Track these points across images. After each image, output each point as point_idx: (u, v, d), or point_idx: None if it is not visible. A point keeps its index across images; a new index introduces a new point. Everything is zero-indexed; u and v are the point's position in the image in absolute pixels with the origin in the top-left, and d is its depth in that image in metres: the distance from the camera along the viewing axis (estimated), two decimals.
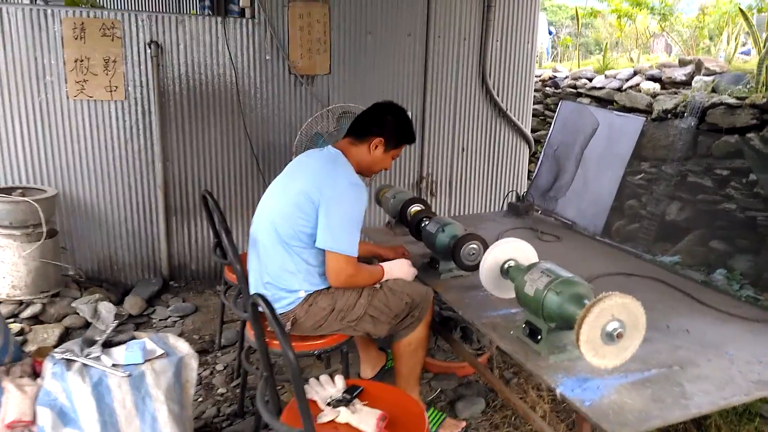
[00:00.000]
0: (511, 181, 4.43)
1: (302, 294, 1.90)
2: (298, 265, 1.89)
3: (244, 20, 3.52)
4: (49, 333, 2.85)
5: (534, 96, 7.55)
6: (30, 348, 2.68)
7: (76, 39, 3.24)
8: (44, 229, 2.96)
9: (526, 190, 3.38)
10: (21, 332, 2.80)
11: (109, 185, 3.51)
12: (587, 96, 6.34)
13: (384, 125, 2.11)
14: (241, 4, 3.50)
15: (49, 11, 3.19)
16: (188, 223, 3.72)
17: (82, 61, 3.27)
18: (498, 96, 4.18)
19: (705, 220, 4.24)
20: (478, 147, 4.28)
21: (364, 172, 2.18)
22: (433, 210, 2.70)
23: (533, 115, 7.19)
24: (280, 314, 1.88)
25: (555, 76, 7.21)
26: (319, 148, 2.16)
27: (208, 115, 3.59)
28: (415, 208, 2.64)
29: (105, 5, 5.72)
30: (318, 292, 1.92)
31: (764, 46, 4.81)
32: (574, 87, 6.72)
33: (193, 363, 1.64)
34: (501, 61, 4.16)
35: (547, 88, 7.17)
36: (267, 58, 3.58)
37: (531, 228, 2.89)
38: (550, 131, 3.49)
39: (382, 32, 3.80)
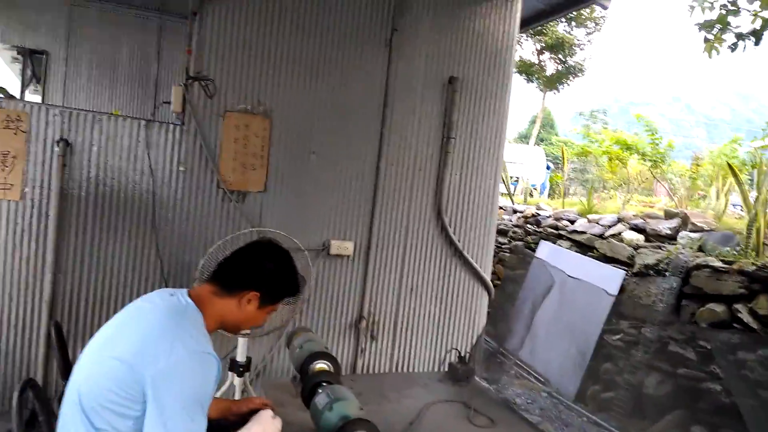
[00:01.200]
0: (465, 330, 4.06)
1: None
2: None
3: (171, 126, 3.38)
4: None
5: (515, 232, 7.55)
6: None
7: None
8: None
9: (473, 344, 3.07)
10: None
11: None
12: (568, 239, 6.20)
13: (262, 276, 1.78)
14: (172, 108, 3.42)
15: None
16: (74, 347, 3.31)
17: None
18: (454, 234, 3.97)
19: (686, 398, 3.85)
20: (430, 288, 3.98)
21: (228, 329, 1.82)
22: (343, 372, 2.35)
23: (510, 252, 7.06)
24: None
25: (538, 214, 7.18)
26: (169, 292, 1.76)
27: (116, 226, 3.31)
28: (318, 365, 2.27)
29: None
30: None
31: (755, 207, 4.75)
32: (556, 228, 6.63)
33: None
34: (459, 196, 4.00)
35: (529, 226, 7.11)
36: (181, 169, 3.38)
37: (464, 403, 2.50)
38: (527, 274, 3.28)
39: (328, 153, 3.66)
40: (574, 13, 17.00)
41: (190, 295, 1.71)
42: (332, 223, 3.71)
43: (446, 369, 2.92)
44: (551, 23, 17.17)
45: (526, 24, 5.21)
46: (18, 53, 6.05)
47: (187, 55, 3.45)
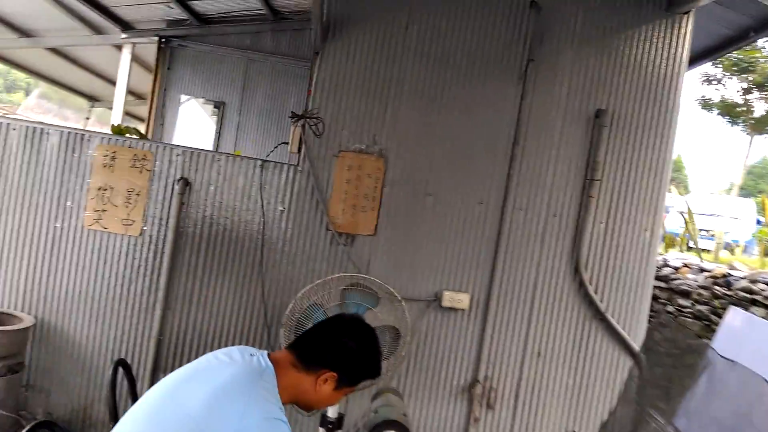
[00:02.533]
0: (601, 405, 3.60)
1: None
2: None
3: (286, 166, 3.49)
4: None
5: (699, 294, 6.66)
6: None
7: (104, 167, 3.41)
8: None
9: (603, 423, 2.66)
10: None
11: (101, 326, 3.46)
12: (763, 305, 5.35)
13: (342, 356, 1.74)
14: (289, 149, 3.53)
15: (86, 136, 3.45)
16: None
17: (105, 190, 3.41)
18: (596, 293, 3.56)
19: None
20: (561, 354, 3.58)
21: (300, 405, 1.76)
22: None
23: (694, 317, 6.25)
24: None
25: (729, 274, 6.30)
26: (250, 351, 1.74)
27: (225, 266, 3.47)
28: None
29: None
30: None
31: None
32: (750, 291, 5.76)
33: None
34: (604, 248, 3.55)
35: (717, 288, 6.27)
36: (280, 209, 3.47)
37: None
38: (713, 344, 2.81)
39: (445, 195, 3.49)
40: None
41: (269, 358, 1.70)
42: (447, 272, 3.52)
43: None
44: (761, 58, 15.35)
45: (707, 55, 4.59)
46: (215, 106, 7.07)
47: (307, 96, 3.56)
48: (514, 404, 3.59)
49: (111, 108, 8.04)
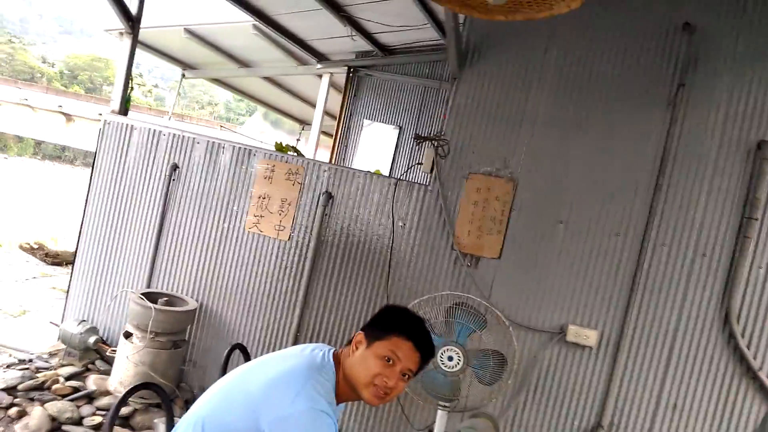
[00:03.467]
0: None
1: None
2: None
3: (417, 185, 3.71)
4: None
5: None
6: None
7: (265, 178, 4.01)
8: (163, 339, 3.68)
9: None
10: (99, 427, 3.45)
11: (251, 316, 3.99)
12: None
13: (373, 319, 1.93)
14: (422, 169, 3.80)
15: (253, 151, 4.10)
16: None
17: (264, 198, 4.01)
18: (748, 348, 3.20)
19: None
20: (700, 410, 3.22)
21: (353, 383, 1.86)
22: None
23: None
24: None
25: None
26: (320, 347, 1.95)
27: (357, 273, 3.80)
28: None
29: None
30: None
31: None
32: None
33: None
34: (762, 298, 3.18)
35: None
36: (401, 224, 3.69)
37: None
38: None
39: (578, 223, 3.41)
40: None
41: (334, 355, 1.90)
42: (575, 305, 3.41)
43: None
44: None
45: None
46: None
47: (443, 119, 3.82)
48: None
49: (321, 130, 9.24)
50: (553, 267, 3.48)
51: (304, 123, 13.33)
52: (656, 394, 3.33)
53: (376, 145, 8.10)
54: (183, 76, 9.71)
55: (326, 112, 9.04)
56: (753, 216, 3.15)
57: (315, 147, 9.01)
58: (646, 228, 3.34)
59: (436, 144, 3.52)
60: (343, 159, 7.99)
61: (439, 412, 3.14)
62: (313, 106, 10.43)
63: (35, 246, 8.09)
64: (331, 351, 1.92)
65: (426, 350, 1.89)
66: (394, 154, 7.72)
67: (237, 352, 2.94)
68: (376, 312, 1.97)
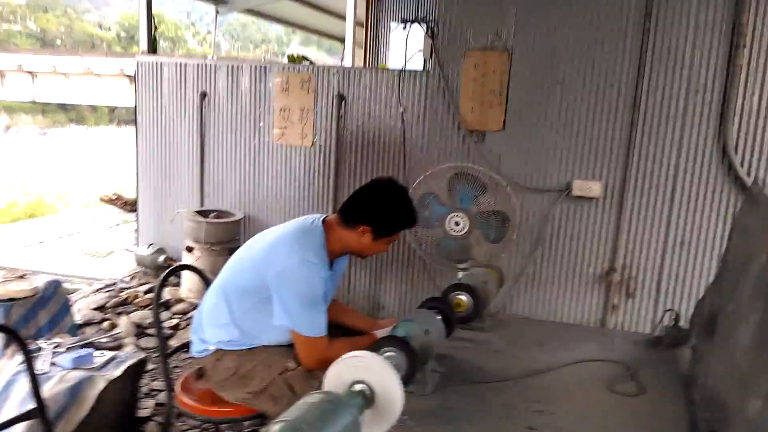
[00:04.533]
0: None
1: (211, 347, 2.16)
2: (221, 316, 2.15)
3: (419, 72, 3.92)
4: None
5: None
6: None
7: (282, 91, 4.34)
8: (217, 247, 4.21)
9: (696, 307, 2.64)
10: (176, 327, 4.09)
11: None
12: None
13: (373, 212, 2.17)
14: (422, 55, 3.99)
15: (268, 68, 4.39)
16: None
17: (284, 110, 4.36)
18: (748, 175, 3.30)
19: None
20: (705, 243, 3.42)
21: (354, 254, 2.30)
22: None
23: None
24: (195, 359, 2.23)
25: None
26: (312, 216, 2.30)
27: (376, 168, 4.13)
28: (457, 297, 2.52)
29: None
30: (229, 351, 2.14)
31: None
32: None
33: (100, 384, 2.21)
34: (758, 124, 3.26)
35: None
36: (401, 110, 3.93)
37: (627, 366, 2.31)
38: None
39: (573, 81, 3.55)
40: None
41: (324, 220, 2.25)
42: (578, 162, 3.62)
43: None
44: None
45: None
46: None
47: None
48: (656, 293, 3.63)
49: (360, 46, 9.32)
50: (554, 128, 3.67)
51: (343, 40, 13.36)
52: (663, 233, 3.54)
53: (408, 47, 8.16)
54: (217, 12, 9.99)
55: (358, 23, 9.10)
56: (741, 44, 3.18)
57: (352, 60, 9.16)
58: (638, 73, 3.44)
59: (426, 26, 3.70)
60: (378, 63, 8.09)
61: (459, 274, 3.49)
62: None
63: (114, 197, 8.93)
64: (321, 217, 2.27)
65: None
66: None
67: None
68: (378, 202, 2.21)
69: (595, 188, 3.59)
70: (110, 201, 8.75)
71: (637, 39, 3.42)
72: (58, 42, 35.22)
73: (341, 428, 1.25)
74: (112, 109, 33.86)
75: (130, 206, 8.95)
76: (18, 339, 1.77)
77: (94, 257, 6.38)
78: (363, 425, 1.35)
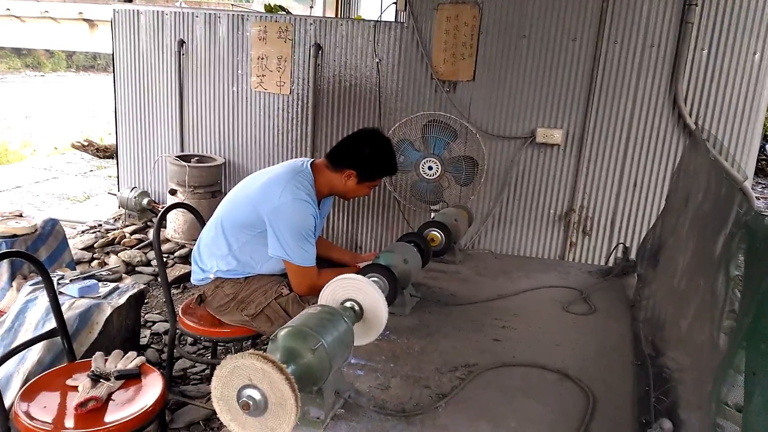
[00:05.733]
0: None
1: (211, 276, 2.38)
2: (220, 248, 2.35)
3: (394, 24, 4.06)
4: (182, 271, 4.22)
5: None
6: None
7: (260, 40, 4.42)
8: (198, 190, 4.39)
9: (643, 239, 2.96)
10: (165, 265, 4.27)
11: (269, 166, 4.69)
12: None
13: (358, 158, 2.37)
14: (397, 7, 4.12)
15: (245, 16, 4.46)
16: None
17: (262, 59, 4.45)
18: (696, 125, 3.61)
19: None
20: (656, 185, 3.74)
21: (339, 196, 2.51)
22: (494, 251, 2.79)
23: None
24: (195, 286, 2.48)
25: None
26: (301, 160, 2.50)
27: (352, 115, 4.28)
28: (431, 232, 2.76)
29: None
30: (227, 279, 2.37)
31: None
32: None
33: (107, 310, 2.43)
34: (706, 78, 3.52)
35: None
36: (377, 60, 4.08)
37: (580, 291, 2.61)
38: None
39: (539, 36, 3.74)
40: None
41: (312, 163, 2.44)
42: (542, 111, 3.85)
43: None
44: None
45: None
46: None
47: None
48: (610, 231, 3.97)
49: None
50: (521, 80, 3.88)
51: None
52: (618, 177, 3.84)
53: None
54: None
55: None
56: (692, 2, 3.42)
57: (323, 10, 9.15)
58: (599, 28, 3.66)
59: None
60: (348, 13, 8.14)
61: (432, 214, 3.75)
62: None
63: (85, 143, 8.88)
64: (310, 161, 2.46)
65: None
66: None
67: None
68: (364, 148, 2.39)
69: (557, 135, 3.85)
70: (82, 147, 8.70)
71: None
72: None
73: (338, 334, 1.48)
74: (70, 55, 32.63)
75: (103, 152, 8.94)
76: (40, 266, 1.95)
77: (72, 202, 6.45)
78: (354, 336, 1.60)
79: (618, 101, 3.72)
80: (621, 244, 2.93)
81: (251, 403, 1.28)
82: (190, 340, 3.28)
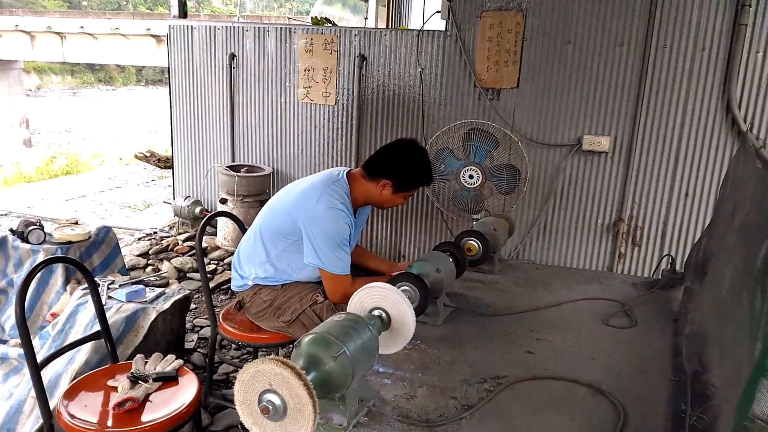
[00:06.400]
0: None
1: (250, 282, 2.43)
2: (258, 256, 2.40)
3: (437, 33, 4.05)
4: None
5: None
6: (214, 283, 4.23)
7: (306, 52, 4.51)
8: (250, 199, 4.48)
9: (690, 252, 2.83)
10: (214, 272, 4.40)
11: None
12: None
13: (394, 168, 2.39)
14: (440, 17, 4.11)
15: (293, 29, 4.55)
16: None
17: (309, 70, 4.54)
18: (750, 131, 3.42)
19: None
20: (708, 195, 3.56)
21: (374, 206, 2.53)
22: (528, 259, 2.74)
23: None
24: (235, 293, 2.51)
25: None
26: (338, 169, 2.52)
27: (395, 126, 4.29)
28: (468, 242, 2.73)
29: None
30: (265, 286, 2.41)
31: None
32: None
33: (152, 314, 2.50)
34: (762, 82, 3.35)
35: None
36: (420, 69, 4.08)
37: (622, 304, 2.53)
38: None
39: (585, 41, 3.66)
40: None
41: (348, 172, 2.47)
42: (588, 118, 3.75)
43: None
44: None
45: None
46: None
47: None
48: (661, 242, 3.81)
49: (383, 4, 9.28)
50: (566, 86, 3.79)
51: None
52: (668, 186, 3.70)
53: (426, 8, 8.20)
54: None
55: None
56: (746, 3, 3.26)
57: (375, 19, 9.20)
58: (647, 32, 3.54)
59: None
60: (399, 24, 8.19)
61: (473, 223, 3.71)
62: None
63: (147, 154, 9.25)
64: (346, 170, 2.48)
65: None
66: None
67: None
68: (399, 158, 2.40)
69: (604, 143, 3.74)
70: (144, 158, 9.04)
71: (646, 0, 3.51)
72: (85, 4, 35.27)
73: (361, 342, 1.48)
74: (140, 69, 34.16)
75: (164, 162, 9.28)
76: (85, 271, 2.04)
77: (133, 210, 6.72)
78: (380, 345, 1.60)
79: (668, 107, 3.59)
80: (668, 255, 2.81)
81: (271, 407, 1.30)
82: (234, 345, 3.35)
